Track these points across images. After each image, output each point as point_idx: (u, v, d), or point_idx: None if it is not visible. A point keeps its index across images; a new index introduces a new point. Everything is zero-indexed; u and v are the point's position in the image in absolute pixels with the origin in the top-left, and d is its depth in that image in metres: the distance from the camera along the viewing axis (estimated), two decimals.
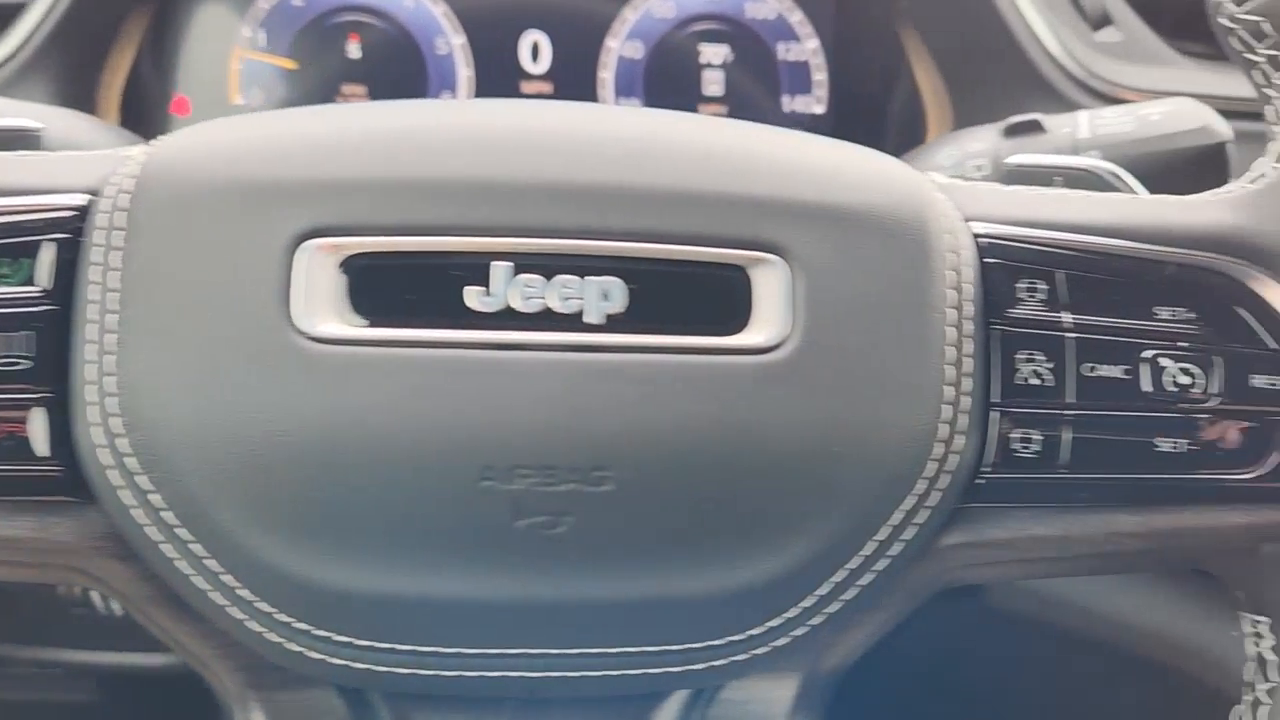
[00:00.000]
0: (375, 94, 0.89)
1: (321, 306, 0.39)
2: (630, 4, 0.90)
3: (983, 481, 0.44)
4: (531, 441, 0.39)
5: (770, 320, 0.41)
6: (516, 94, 0.90)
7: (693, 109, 0.91)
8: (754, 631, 0.42)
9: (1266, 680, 0.46)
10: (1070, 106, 0.77)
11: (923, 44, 0.90)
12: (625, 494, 0.39)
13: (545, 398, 0.39)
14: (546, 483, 0.39)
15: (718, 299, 0.41)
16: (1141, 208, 0.47)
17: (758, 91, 0.92)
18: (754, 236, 0.41)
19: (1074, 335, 0.44)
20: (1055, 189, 0.49)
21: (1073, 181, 0.53)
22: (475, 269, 0.40)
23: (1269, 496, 0.44)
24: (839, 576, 0.42)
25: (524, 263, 0.40)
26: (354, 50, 0.88)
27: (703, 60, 0.91)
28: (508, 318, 0.40)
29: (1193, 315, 0.45)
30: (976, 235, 0.45)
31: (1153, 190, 0.56)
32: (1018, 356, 0.44)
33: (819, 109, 0.92)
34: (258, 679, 0.46)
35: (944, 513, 0.44)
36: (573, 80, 0.90)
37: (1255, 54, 0.46)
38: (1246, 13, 0.45)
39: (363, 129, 0.42)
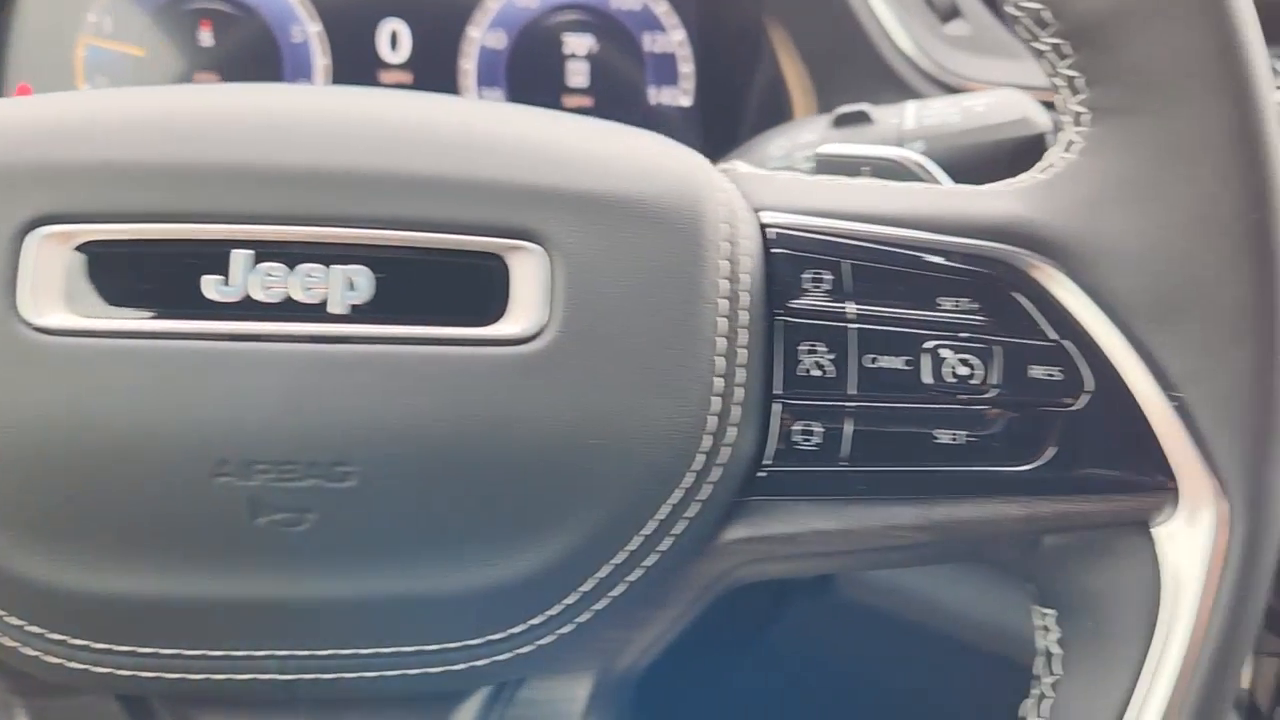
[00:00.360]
0: (229, 81, 0.87)
1: (50, 296, 0.38)
2: None
3: (764, 475, 0.44)
4: (269, 436, 0.38)
5: (527, 310, 0.40)
6: (375, 83, 0.88)
7: (557, 100, 0.90)
8: (515, 630, 0.41)
9: (1052, 673, 0.46)
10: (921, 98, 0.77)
11: (787, 36, 0.90)
12: (370, 490, 0.38)
13: (283, 390, 0.38)
14: (286, 479, 0.38)
15: (474, 288, 0.40)
16: (932, 198, 0.46)
17: (623, 83, 0.91)
18: (511, 224, 0.40)
19: (857, 326, 0.43)
20: (849, 178, 0.48)
21: (879, 171, 0.52)
22: (213, 258, 0.38)
23: (1045, 488, 0.44)
24: (603, 572, 0.41)
25: (265, 251, 0.38)
26: (206, 38, 0.86)
27: (567, 51, 0.90)
28: (247, 308, 0.38)
29: (976, 306, 0.44)
30: (765, 225, 0.44)
31: (974, 181, 0.55)
32: (800, 348, 0.43)
33: (685, 101, 0.92)
34: (20, 685, 0.44)
35: (719, 507, 0.43)
36: (433, 70, 0.89)
37: (1040, 42, 0.45)
38: (1029, 0, 0.45)
39: (98, 113, 0.40)
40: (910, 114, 0.62)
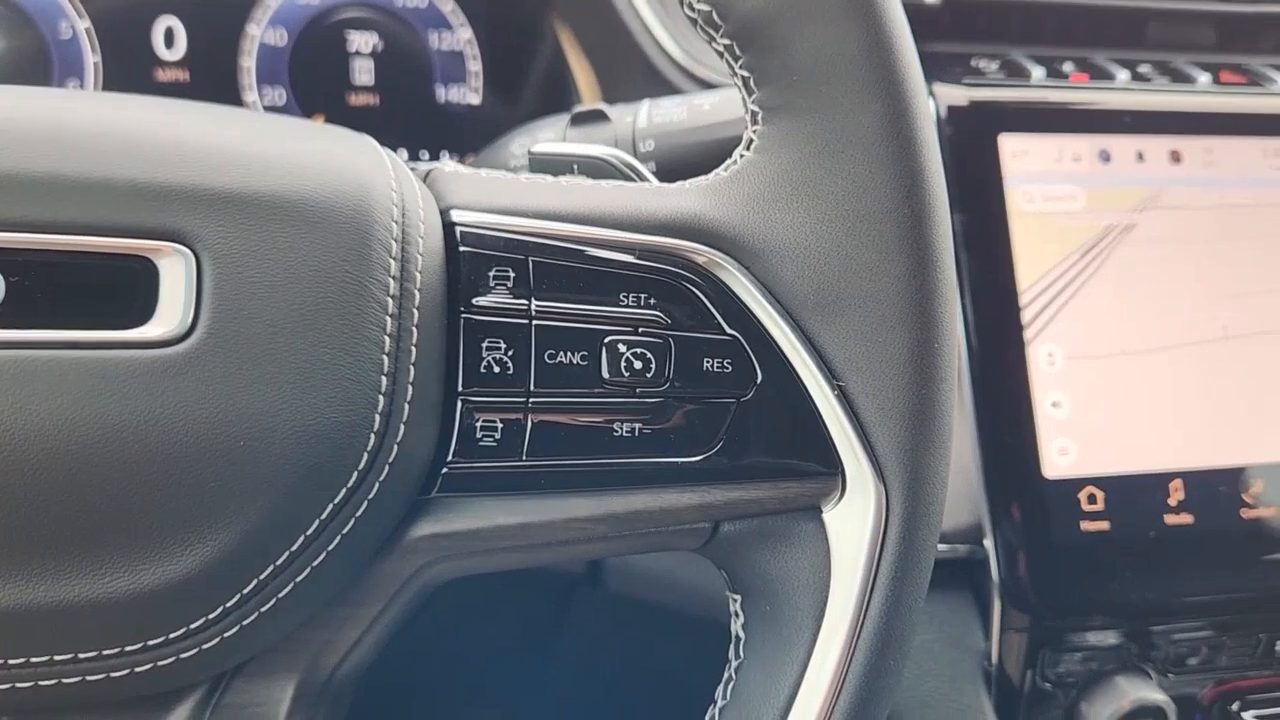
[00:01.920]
0: None
1: None
2: None
3: (449, 472, 0.44)
4: None
5: (174, 312, 0.39)
6: (150, 82, 0.86)
7: (342, 98, 0.89)
8: (173, 634, 0.41)
9: (738, 657, 0.47)
10: None
11: (572, 35, 0.90)
12: (2, 497, 0.38)
13: None
14: None
15: (120, 291, 0.39)
16: (618, 195, 0.47)
17: (411, 81, 0.90)
18: (156, 225, 0.39)
19: (538, 322, 0.44)
20: (547, 177, 0.49)
21: (587, 169, 0.53)
22: None
23: (718, 476, 0.45)
24: (264, 574, 0.41)
25: None
26: None
27: (351, 48, 0.89)
28: None
29: (654, 300, 0.45)
30: (454, 224, 0.45)
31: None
32: (484, 345, 0.44)
33: (474, 99, 0.92)
34: None
35: (394, 505, 0.43)
36: (211, 68, 0.87)
37: (716, 44, 0.47)
38: (699, 1, 0.46)
39: None
40: (644, 113, 0.63)
